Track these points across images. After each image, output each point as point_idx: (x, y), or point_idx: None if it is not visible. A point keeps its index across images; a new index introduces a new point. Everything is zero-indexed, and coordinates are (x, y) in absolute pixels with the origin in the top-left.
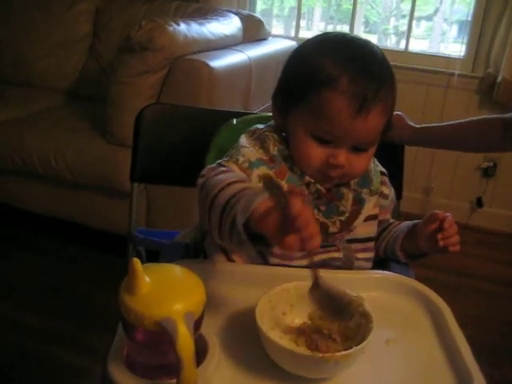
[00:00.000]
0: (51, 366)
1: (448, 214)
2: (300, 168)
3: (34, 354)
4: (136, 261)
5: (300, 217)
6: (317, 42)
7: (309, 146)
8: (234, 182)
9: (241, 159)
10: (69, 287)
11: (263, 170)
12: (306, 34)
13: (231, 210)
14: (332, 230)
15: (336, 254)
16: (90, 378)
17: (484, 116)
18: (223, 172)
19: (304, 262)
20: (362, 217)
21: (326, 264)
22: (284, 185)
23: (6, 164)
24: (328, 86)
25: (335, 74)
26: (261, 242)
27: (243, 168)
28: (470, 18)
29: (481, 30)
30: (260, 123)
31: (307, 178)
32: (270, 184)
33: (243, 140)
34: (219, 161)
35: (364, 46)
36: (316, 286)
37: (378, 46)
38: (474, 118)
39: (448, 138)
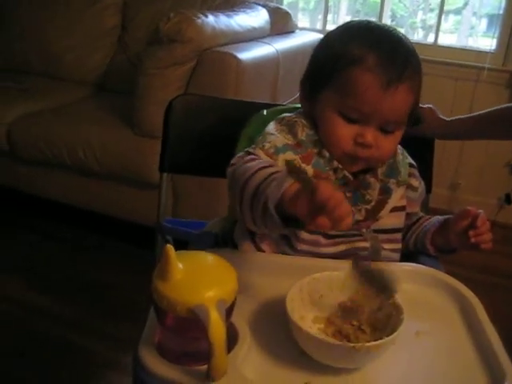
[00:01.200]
0: (70, 353)
1: (481, 211)
2: (329, 150)
3: (54, 341)
4: (170, 247)
5: (331, 199)
6: (342, 29)
7: (337, 126)
8: (264, 167)
9: (267, 145)
10: (89, 276)
11: (289, 154)
12: (333, 27)
13: (262, 194)
14: (357, 217)
15: (363, 244)
16: (108, 365)
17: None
18: (251, 160)
19: (331, 250)
20: (388, 207)
21: (354, 253)
22: (309, 170)
23: (34, 155)
24: (355, 64)
25: (362, 54)
26: (293, 223)
27: (269, 153)
28: (501, 12)
29: None
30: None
31: (335, 164)
32: (293, 168)
33: (270, 127)
34: (247, 149)
35: (389, 30)
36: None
37: (405, 36)
38: (503, 105)
39: (478, 127)
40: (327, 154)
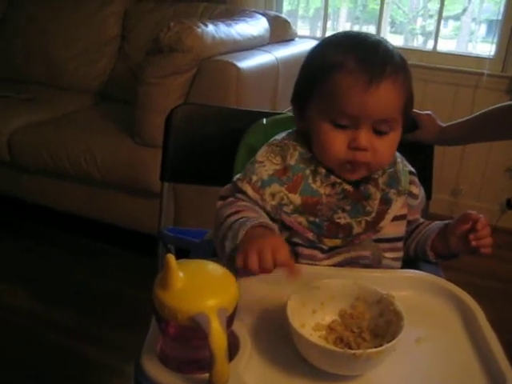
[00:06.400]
0: (74, 362)
1: (481, 216)
2: (326, 162)
3: (56, 349)
4: (170, 256)
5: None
6: (322, 42)
7: (329, 135)
8: (229, 215)
9: (254, 178)
10: (94, 285)
11: (275, 187)
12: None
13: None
14: (357, 230)
15: (364, 253)
16: (113, 373)
17: (505, 103)
18: (231, 203)
19: (330, 262)
20: (388, 217)
21: (354, 262)
22: (297, 198)
23: (35, 165)
24: (334, 70)
25: (340, 59)
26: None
27: (256, 188)
28: (500, 17)
29: None
30: (289, 123)
31: (332, 178)
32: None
33: (260, 153)
34: (236, 178)
35: (367, 35)
36: None
37: (385, 39)
38: (496, 106)
39: (473, 129)
40: (323, 171)
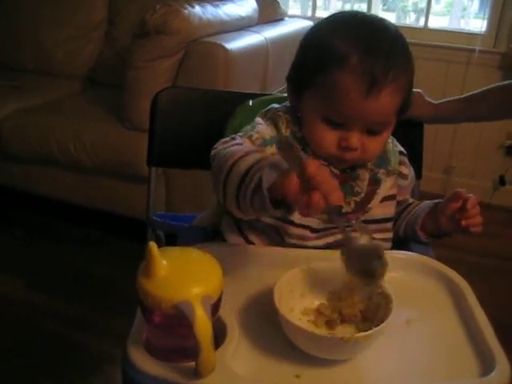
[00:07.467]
0: (69, 349)
1: (471, 195)
2: (313, 151)
3: (53, 337)
4: (152, 244)
5: (317, 175)
6: (326, 22)
7: (321, 130)
8: (255, 151)
9: (255, 135)
10: (89, 272)
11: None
12: (323, 13)
13: (255, 174)
14: (346, 210)
15: (352, 234)
16: (112, 362)
17: (503, 82)
18: (237, 144)
19: (319, 243)
20: (378, 197)
21: (343, 244)
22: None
23: (25, 152)
24: (336, 67)
25: (342, 54)
26: (283, 207)
27: (256, 145)
28: None
29: (503, 3)
30: (276, 104)
31: (320, 161)
32: (285, 145)
33: (259, 119)
34: (233, 135)
35: (375, 23)
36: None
37: (393, 24)
38: (490, 86)
39: (465, 108)
40: (311, 152)
